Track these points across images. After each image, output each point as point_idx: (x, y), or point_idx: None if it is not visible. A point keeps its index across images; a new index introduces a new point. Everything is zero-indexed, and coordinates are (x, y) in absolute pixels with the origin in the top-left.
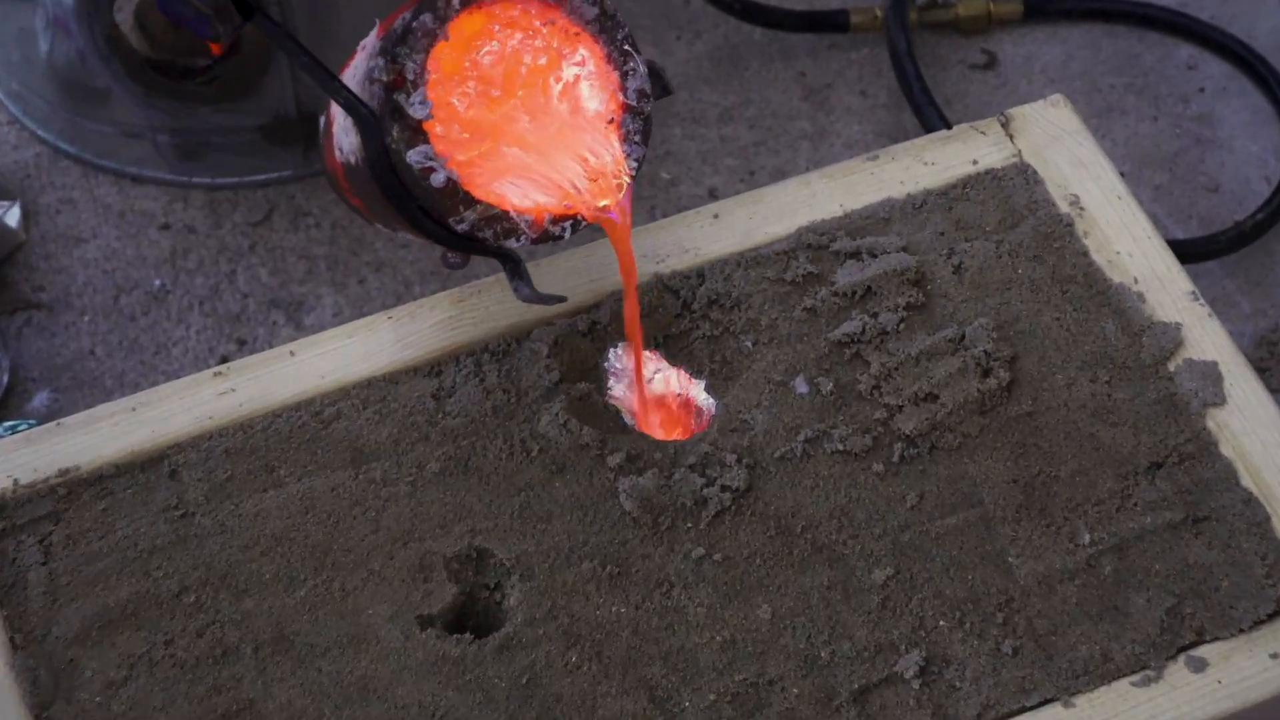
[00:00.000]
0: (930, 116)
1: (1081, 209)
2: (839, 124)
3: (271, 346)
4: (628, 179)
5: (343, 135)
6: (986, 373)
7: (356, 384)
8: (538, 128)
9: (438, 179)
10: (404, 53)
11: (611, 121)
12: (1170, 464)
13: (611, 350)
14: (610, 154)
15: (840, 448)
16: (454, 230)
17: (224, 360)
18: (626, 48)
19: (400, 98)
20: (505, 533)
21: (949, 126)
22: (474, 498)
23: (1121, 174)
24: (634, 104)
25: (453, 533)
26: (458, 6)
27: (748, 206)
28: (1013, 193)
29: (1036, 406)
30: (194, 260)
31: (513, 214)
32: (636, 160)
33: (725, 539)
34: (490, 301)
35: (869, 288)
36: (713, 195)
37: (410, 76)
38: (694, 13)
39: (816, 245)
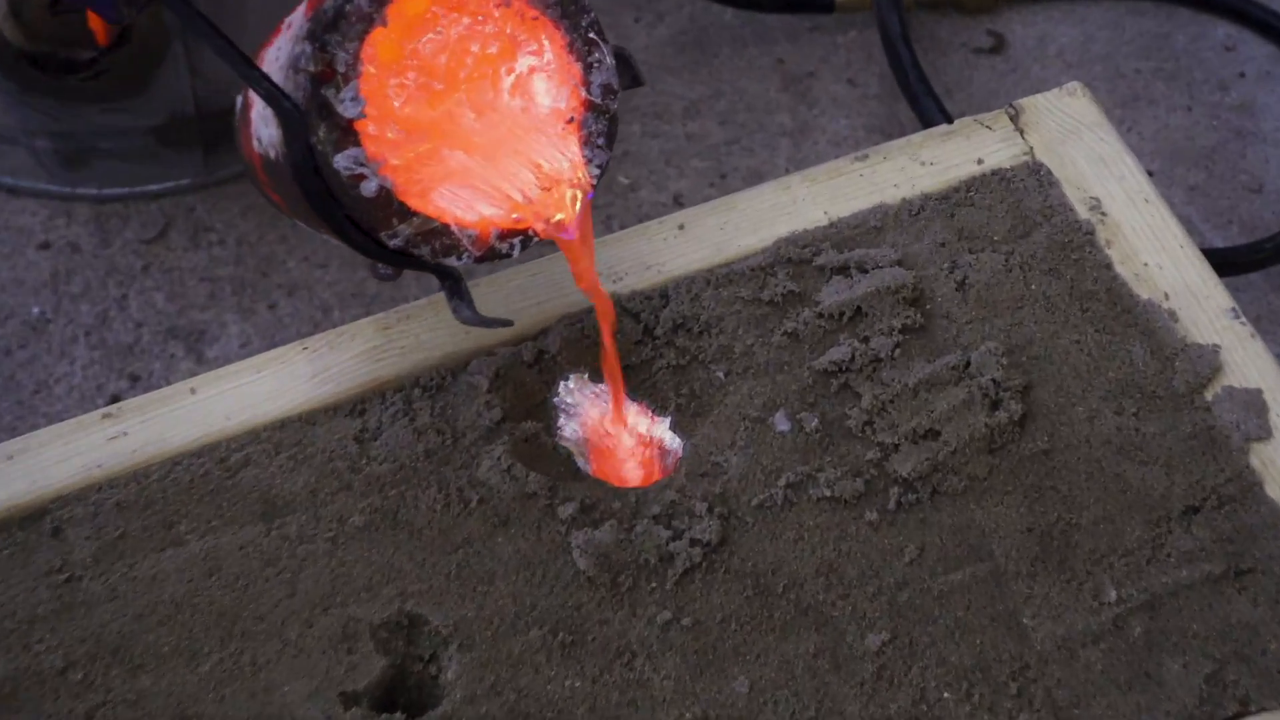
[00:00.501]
0: (928, 109)
1: (1103, 214)
2: (823, 118)
3: (169, 383)
4: (588, 189)
5: (261, 124)
6: (996, 405)
7: (267, 426)
8: (485, 127)
9: (369, 187)
10: (335, 40)
11: (571, 121)
12: (1208, 508)
13: (562, 383)
14: (568, 159)
15: (827, 494)
16: (386, 245)
17: (114, 399)
18: (591, 35)
19: (329, 93)
20: (441, 596)
21: (950, 120)
22: (404, 556)
23: (1149, 173)
24: (598, 101)
25: (380, 596)
26: None
27: (718, 215)
28: (1024, 196)
29: (1054, 444)
30: (79, 284)
31: (454, 228)
32: (599, 167)
33: (695, 601)
34: (421, 328)
35: (859, 308)
36: (678, 202)
37: (341, 69)
38: None
39: (798, 259)
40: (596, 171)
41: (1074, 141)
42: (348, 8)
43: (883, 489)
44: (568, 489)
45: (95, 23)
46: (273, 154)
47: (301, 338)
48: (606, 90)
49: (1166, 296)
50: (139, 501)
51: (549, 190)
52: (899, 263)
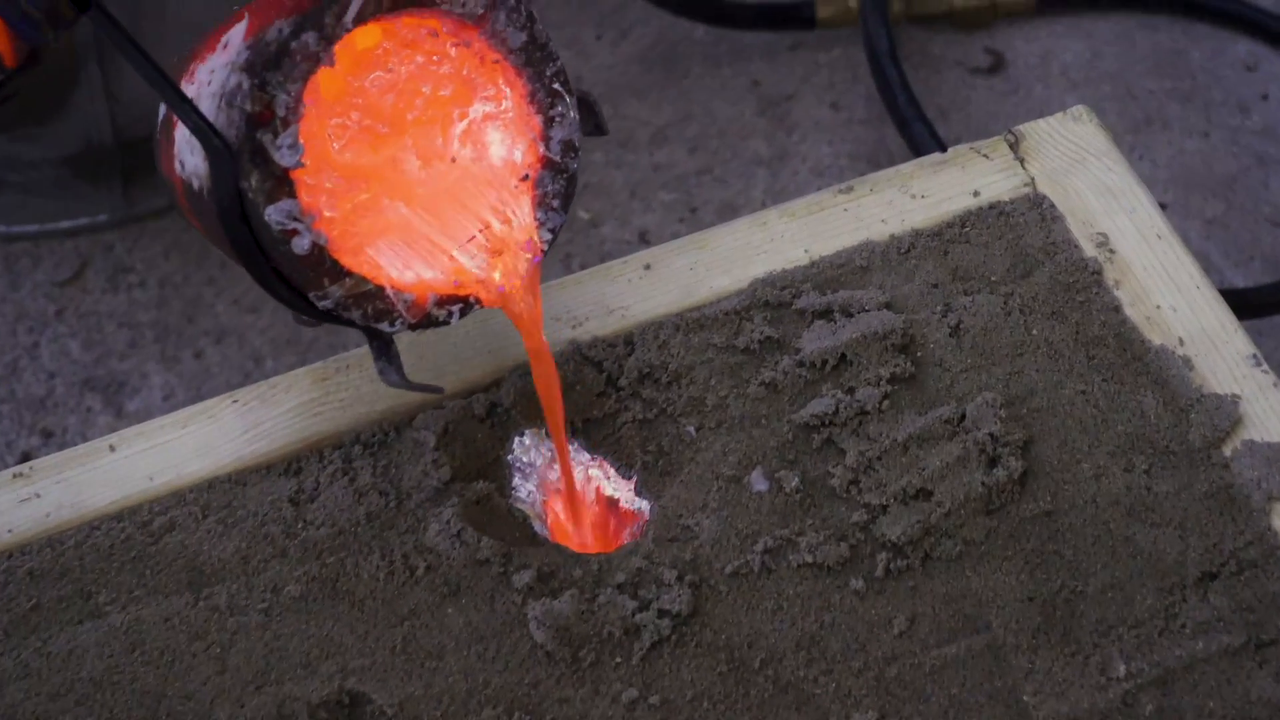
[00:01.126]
0: (919, 135)
1: (1112, 252)
2: (804, 145)
3: (85, 439)
4: (537, 254)
5: (186, 148)
6: (993, 462)
7: (194, 486)
8: (431, 177)
9: (301, 244)
10: (276, 80)
11: (526, 178)
12: (1226, 574)
13: (516, 440)
14: (519, 219)
15: (809, 560)
16: (314, 305)
17: (25, 458)
18: (556, 86)
19: (265, 137)
20: (385, 673)
21: (943, 148)
22: (345, 629)
23: (1163, 206)
24: (556, 159)
25: (319, 673)
26: (350, 24)
27: (688, 254)
28: (1024, 232)
29: (1057, 504)
30: None
31: (389, 291)
32: (551, 230)
33: (664, 677)
34: (361, 379)
35: (843, 356)
36: (644, 240)
37: (281, 111)
38: (619, 4)
39: (776, 302)
40: (548, 236)
41: (1079, 171)
42: (293, 45)
43: (869, 554)
44: (524, 555)
45: (2, 42)
46: (196, 184)
47: (231, 389)
48: (567, 147)
49: (1181, 342)
50: (53, 570)
51: (495, 254)
52: (887, 305)
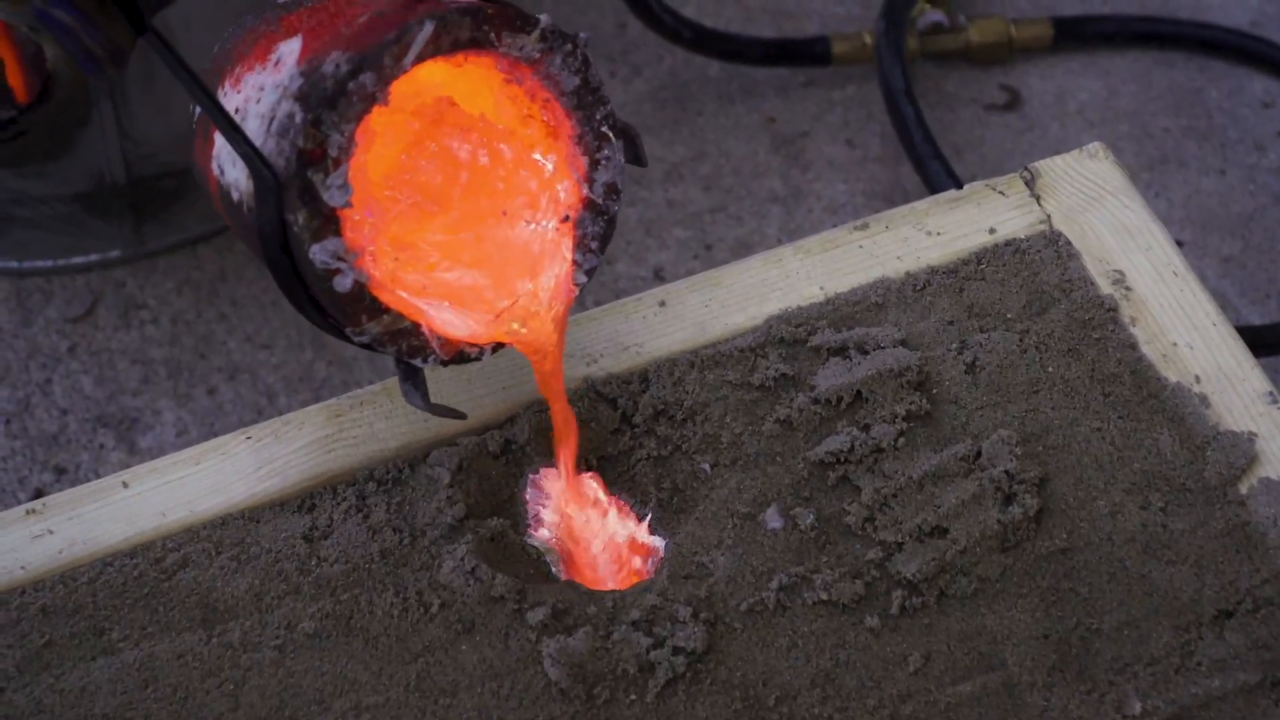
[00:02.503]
0: (935, 172)
1: (1128, 289)
2: (818, 183)
3: (98, 476)
4: (571, 297)
5: (227, 159)
6: (1009, 500)
7: (207, 523)
8: (471, 212)
9: (343, 283)
10: (330, 120)
11: (567, 219)
12: (1243, 612)
13: (531, 476)
14: (557, 261)
15: (824, 597)
16: (350, 339)
17: (38, 494)
18: (604, 130)
19: (315, 176)
20: (399, 710)
21: (959, 185)
22: (359, 666)
23: (1179, 243)
24: (599, 200)
25: (332, 710)
26: (409, 65)
27: (703, 291)
28: (1040, 269)
29: (1072, 542)
30: None
31: (424, 329)
32: (587, 272)
33: (678, 715)
34: (375, 416)
35: (859, 393)
36: (659, 277)
37: (333, 152)
38: (632, 41)
39: (791, 339)
40: (584, 279)
41: (1096, 209)
42: (350, 85)
43: (885, 592)
44: (538, 592)
45: (14, 78)
46: (235, 196)
47: (244, 426)
48: (610, 190)
49: (1197, 380)
50: (66, 606)
51: (530, 294)
52: (903, 343)
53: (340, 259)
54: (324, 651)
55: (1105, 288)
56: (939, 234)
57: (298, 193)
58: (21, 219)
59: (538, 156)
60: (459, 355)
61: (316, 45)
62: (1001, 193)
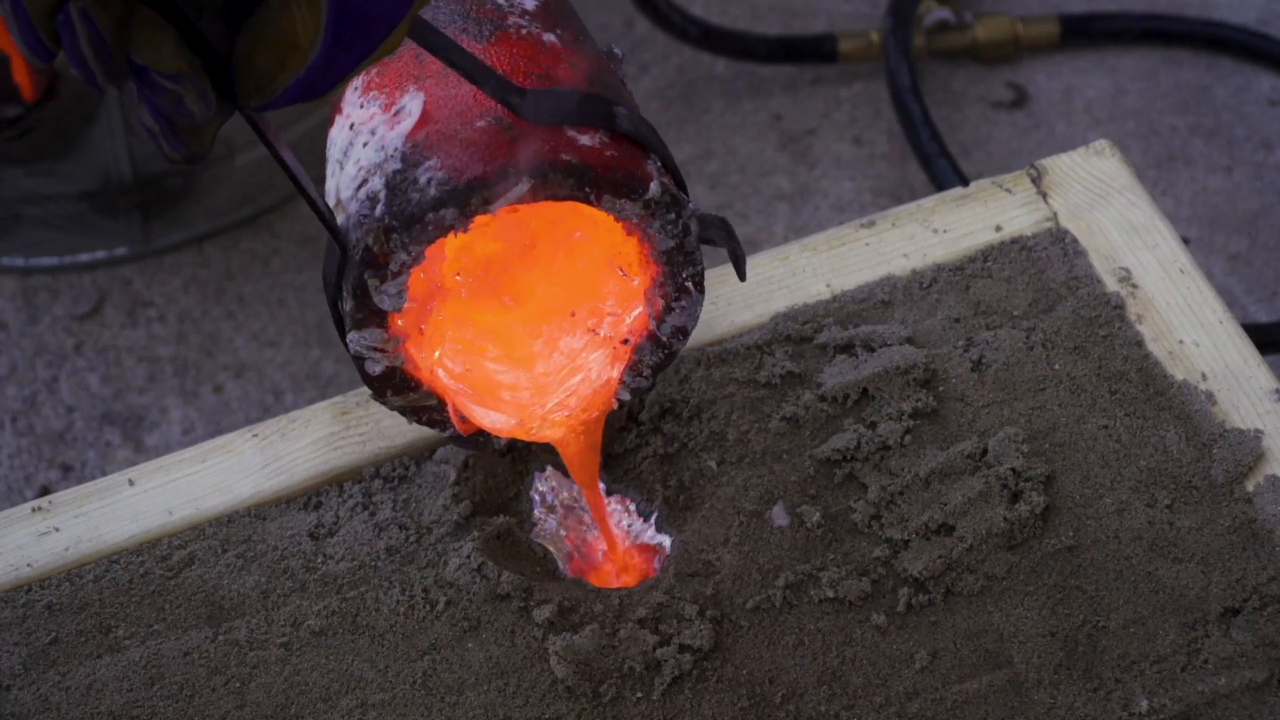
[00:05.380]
0: (942, 169)
1: (1134, 287)
2: (825, 180)
3: (104, 473)
4: (607, 410)
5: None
6: (1015, 497)
7: (213, 521)
8: (542, 297)
9: (374, 368)
10: (400, 240)
11: (627, 342)
12: (1250, 609)
13: (537, 474)
14: (604, 376)
15: (830, 595)
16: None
17: (44, 491)
18: (688, 285)
19: (372, 281)
20: (405, 707)
21: (965, 182)
22: (364, 663)
23: (1186, 241)
24: (663, 339)
25: (339, 708)
26: (494, 210)
27: (710, 288)
28: (1047, 267)
29: (1079, 539)
30: (4, 365)
31: (450, 410)
32: (631, 391)
33: (685, 713)
34: (381, 413)
35: (865, 390)
36: None
37: (394, 267)
38: (639, 39)
39: (797, 337)
40: (626, 397)
41: (1102, 206)
42: (429, 216)
43: (891, 589)
44: (544, 590)
45: (20, 76)
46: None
47: (250, 424)
48: (678, 332)
49: (1204, 377)
50: (72, 604)
51: (560, 404)
52: (909, 340)
53: (377, 349)
54: (330, 649)
55: (1112, 285)
56: (945, 231)
57: (352, 283)
58: (28, 217)
59: (623, 271)
60: (474, 438)
61: (432, 126)
62: (1008, 190)
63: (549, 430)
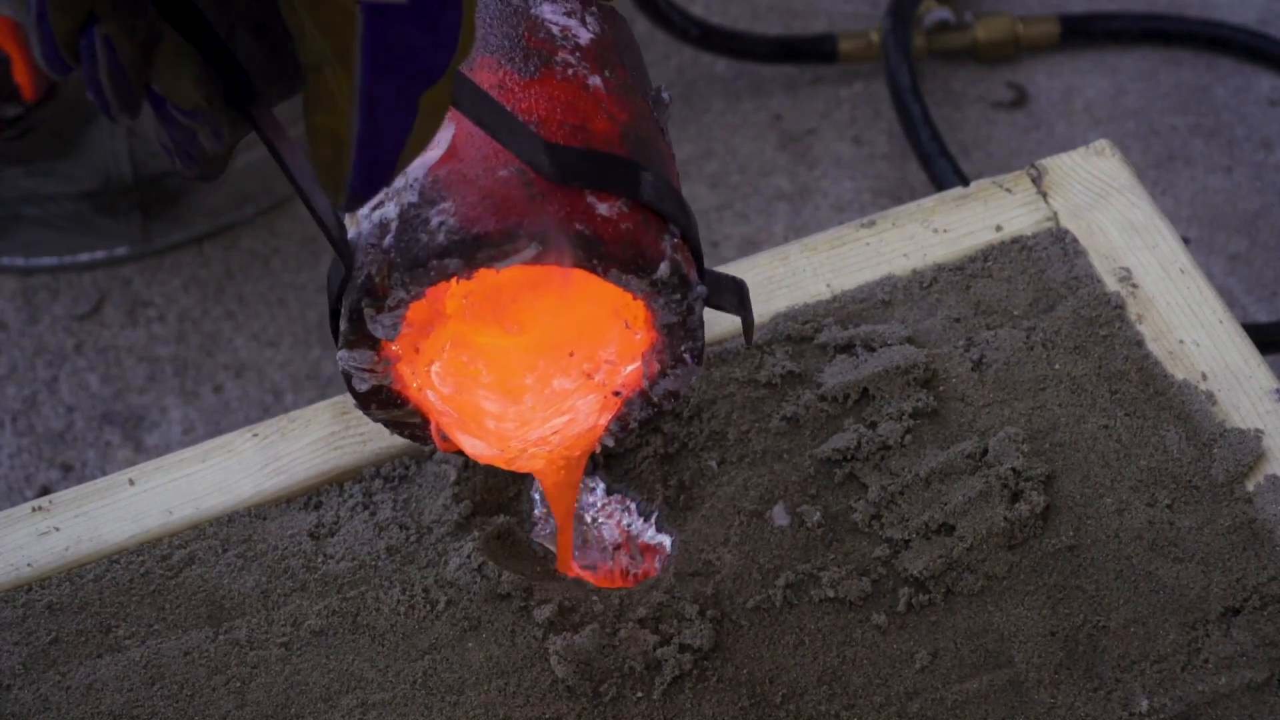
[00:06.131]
0: (942, 169)
1: (1135, 286)
2: (825, 180)
3: (105, 473)
4: (589, 451)
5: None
6: (1016, 497)
7: (213, 520)
8: (543, 332)
9: (361, 385)
10: (400, 279)
11: (618, 395)
12: (1250, 609)
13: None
14: (590, 421)
15: (831, 595)
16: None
17: (44, 491)
18: (686, 357)
19: (368, 309)
20: (405, 706)
21: (965, 182)
22: (365, 662)
23: (1186, 241)
24: (654, 399)
25: (339, 707)
26: (499, 269)
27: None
28: (1047, 267)
29: (1079, 539)
30: (4, 365)
31: (432, 428)
32: (615, 440)
33: (685, 712)
34: None
35: (865, 390)
36: None
37: (391, 303)
38: (639, 38)
39: (798, 337)
40: (610, 443)
41: (1102, 206)
42: (433, 262)
43: (891, 589)
44: (544, 589)
45: (21, 75)
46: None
47: (250, 423)
48: (669, 395)
49: (1204, 377)
50: (72, 603)
51: (541, 440)
52: (909, 340)
53: (366, 369)
54: (330, 648)
55: (1112, 285)
56: (945, 231)
57: (349, 307)
58: (29, 217)
59: (627, 325)
60: (455, 453)
61: (455, 164)
62: (1008, 190)
63: (529, 462)
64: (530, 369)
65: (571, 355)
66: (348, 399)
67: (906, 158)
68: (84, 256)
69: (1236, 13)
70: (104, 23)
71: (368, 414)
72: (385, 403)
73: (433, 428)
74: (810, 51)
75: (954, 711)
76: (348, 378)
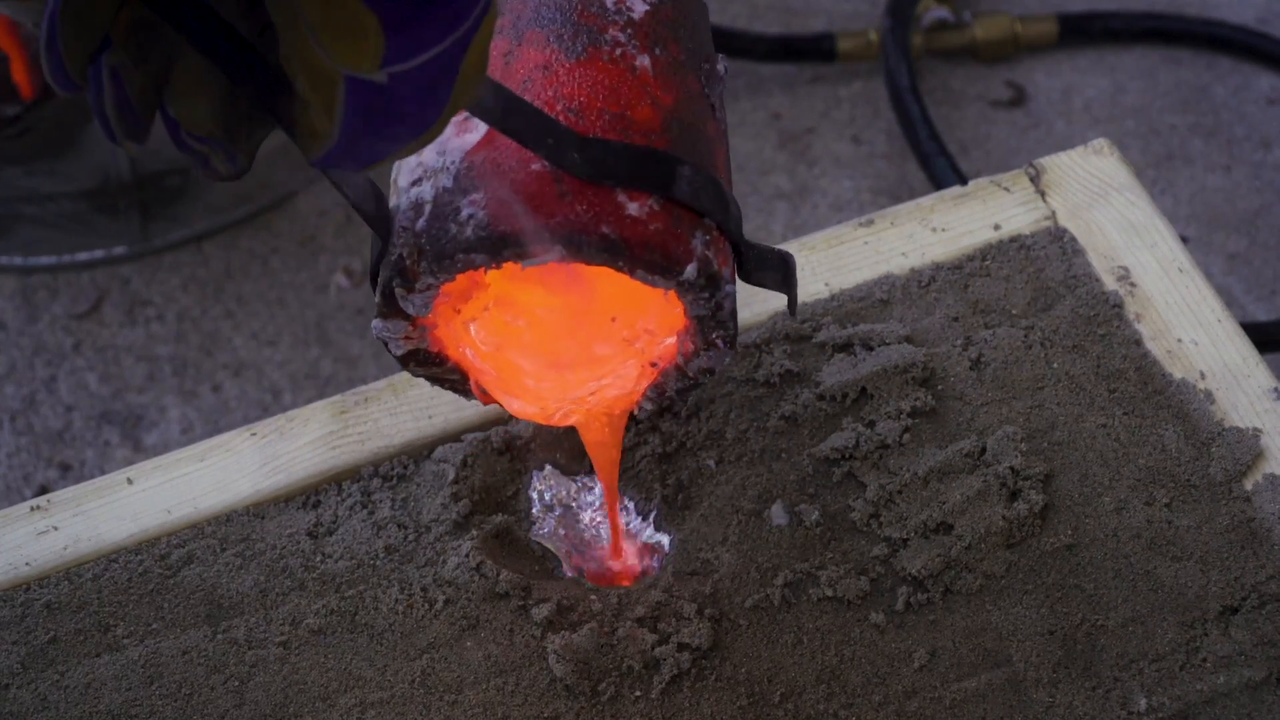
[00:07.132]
0: (940, 168)
1: (1133, 285)
2: (824, 179)
3: (103, 472)
4: (626, 411)
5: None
6: (1014, 496)
7: (212, 519)
8: (587, 295)
9: (397, 349)
10: (430, 268)
11: (655, 366)
12: (1248, 608)
13: (536, 473)
14: (627, 385)
15: (829, 593)
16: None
17: (43, 490)
18: (718, 341)
19: (400, 290)
20: (404, 706)
21: (964, 181)
22: (363, 661)
23: (1185, 240)
24: (690, 374)
25: (337, 706)
26: (524, 265)
27: None
28: (1045, 266)
29: (1078, 538)
30: (2, 364)
31: (472, 383)
32: (651, 404)
33: (684, 711)
34: (380, 412)
35: (864, 389)
36: None
37: (420, 287)
38: None
39: (796, 335)
40: (649, 408)
41: (1101, 205)
42: (459, 256)
43: (890, 588)
44: (543, 589)
45: (19, 74)
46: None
47: (249, 423)
48: (704, 371)
49: (1202, 376)
50: (71, 603)
51: (586, 400)
52: (908, 339)
53: (401, 337)
54: (329, 648)
55: (1110, 284)
56: (944, 230)
57: (381, 283)
58: (27, 216)
59: (668, 298)
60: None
61: (491, 151)
62: (1007, 189)
63: (568, 418)
64: (571, 331)
65: (613, 320)
66: (346, 399)
67: (905, 157)
68: (83, 255)
69: (1236, 12)
70: (115, 51)
71: (407, 370)
72: (424, 361)
73: (472, 383)
74: (809, 50)
75: (952, 710)
76: (385, 343)
